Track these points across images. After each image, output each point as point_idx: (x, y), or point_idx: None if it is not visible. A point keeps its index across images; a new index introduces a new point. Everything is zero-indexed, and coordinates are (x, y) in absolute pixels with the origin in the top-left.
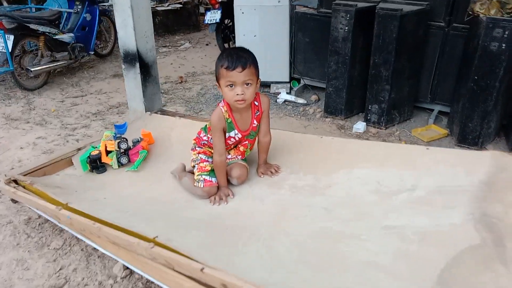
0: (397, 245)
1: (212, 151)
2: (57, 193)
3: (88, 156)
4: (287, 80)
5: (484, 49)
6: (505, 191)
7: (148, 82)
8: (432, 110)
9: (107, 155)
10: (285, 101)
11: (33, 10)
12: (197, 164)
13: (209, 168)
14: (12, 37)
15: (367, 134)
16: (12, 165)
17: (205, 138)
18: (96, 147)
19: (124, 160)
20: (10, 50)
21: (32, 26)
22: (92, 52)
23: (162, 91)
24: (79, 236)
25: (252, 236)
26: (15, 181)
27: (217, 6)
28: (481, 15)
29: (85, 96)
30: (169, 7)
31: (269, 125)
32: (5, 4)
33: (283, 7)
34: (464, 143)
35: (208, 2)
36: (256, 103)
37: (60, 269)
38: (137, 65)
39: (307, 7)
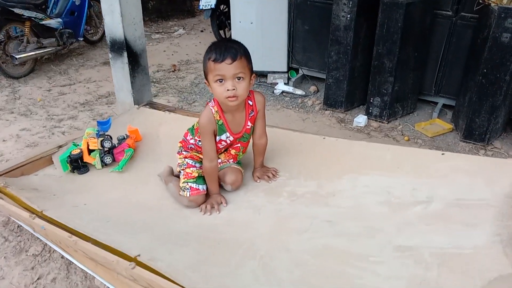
0: (412, 270)
1: (200, 155)
2: (33, 198)
3: (69, 156)
4: (285, 70)
5: (495, 40)
6: None
7: (137, 72)
8: (436, 103)
9: (89, 154)
10: (282, 92)
11: None
12: (183, 169)
13: (196, 175)
14: None
15: (368, 128)
16: None
17: (192, 141)
18: (78, 145)
19: (108, 159)
20: None
21: (16, 10)
22: (82, 39)
23: (154, 80)
24: (55, 248)
25: (247, 253)
26: None
27: None
28: (492, 5)
29: (73, 84)
30: None
31: (265, 126)
32: None
33: None
34: (470, 139)
35: None
36: (250, 103)
37: (38, 279)
38: (125, 54)
39: None
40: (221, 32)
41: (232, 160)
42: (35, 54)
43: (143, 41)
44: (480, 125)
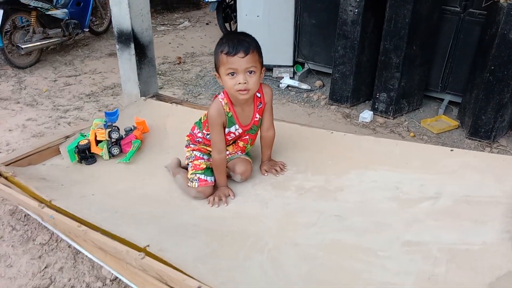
0: (420, 266)
1: (208, 148)
2: (41, 188)
3: (76, 146)
4: (291, 64)
5: (503, 37)
6: None
7: (144, 64)
8: (442, 99)
9: (97, 144)
10: (288, 86)
11: None
12: (191, 161)
13: (204, 166)
14: (1, 11)
15: (374, 124)
16: None
17: (199, 134)
18: (85, 136)
19: (115, 150)
20: None
21: (23, 0)
22: (87, 29)
23: (160, 72)
24: (63, 237)
25: (255, 246)
26: None
27: None
28: (501, 1)
29: (79, 75)
30: None
31: (273, 119)
32: None
33: None
34: (476, 136)
35: None
36: (259, 95)
37: (45, 268)
38: (132, 45)
39: None
40: (227, 25)
41: (240, 152)
42: (41, 44)
43: (150, 32)
44: (486, 122)
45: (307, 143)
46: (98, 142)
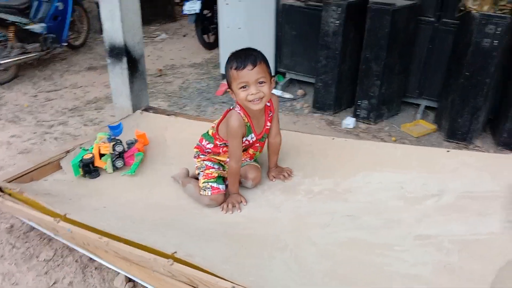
0: (435, 256)
1: (218, 157)
2: (51, 202)
3: (81, 160)
4: (272, 74)
5: (477, 45)
6: None
7: (136, 77)
8: (419, 105)
9: (100, 158)
10: None
11: None
12: (202, 171)
13: (216, 175)
14: None
15: (357, 130)
16: None
17: (208, 146)
18: (88, 150)
19: (119, 163)
20: None
21: (0, 15)
22: (66, 44)
23: None
24: (80, 250)
25: (276, 246)
26: None
27: None
28: (473, 11)
29: (60, 90)
30: None
31: (279, 126)
32: None
33: None
34: (453, 139)
35: None
36: (268, 104)
37: (54, 283)
38: (125, 59)
39: None
40: (205, 36)
41: (249, 159)
42: (20, 59)
43: (142, 46)
44: (463, 125)
45: (311, 149)
46: (101, 155)
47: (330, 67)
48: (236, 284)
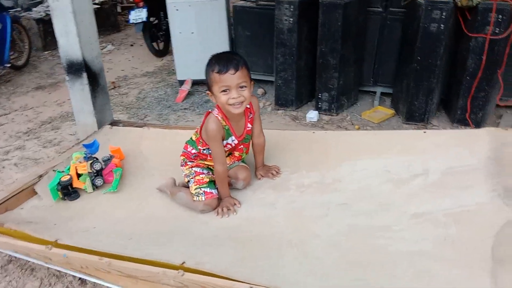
0: (434, 231)
1: (206, 162)
2: (37, 230)
3: (58, 183)
4: None
5: (425, 30)
6: None
7: (97, 92)
8: (375, 92)
9: (78, 178)
10: None
11: None
12: (192, 178)
13: (207, 180)
14: None
15: (321, 122)
16: None
17: (194, 151)
18: (63, 172)
19: (99, 182)
20: None
21: None
22: (8, 65)
23: None
24: (77, 275)
25: (282, 244)
26: None
27: (141, 4)
28: None
29: (9, 114)
30: None
31: (261, 126)
32: None
33: (219, 2)
34: (411, 121)
35: (126, 0)
36: (248, 106)
37: None
38: (84, 75)
39: (244, 0)
40: (154, 44)
41: (236, 160)
42: None
43: (100, 60)
44: (419, 107)
45: (293, 145)
46: (79, 176)
47: (288, 64)
48: (254, 285)
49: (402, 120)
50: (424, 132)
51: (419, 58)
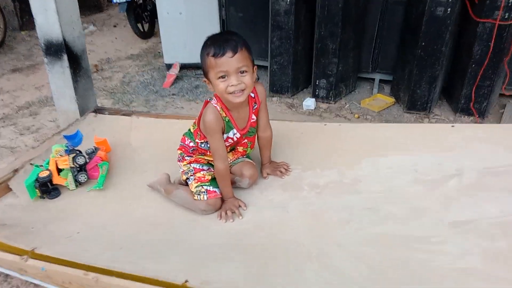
0: (480, 244)
1: (206, 157)
2: (12, 236)
3: (36, 179)
4: None
5: (431, 14)
6: None
7: (79, 76)
8: (373, 79)
9: (59, 174)
10: None
11: None
12: (192, 175)
13: (210, 177)
14: None
15: (318, 110)
16: None
17: (192, 144)
18: (42, 166)
19: (82, 177)
20: None
21: None
22: None
23: None
24: None
25: (300, 255)
26: None
27: None
28: None
29: None
30: None
31: (268, 117)
32: None
33: None
34: (413, 109)
35: None
36: (253, 95)
37: None
38: (65, 57)
39: None
40: (139, 25)
41: (240, 156)
42: None
43: (83, 40)
44: (422, 95)
45: (303, 138)
46: (59, 171)
47: (285, 48)
48: None
49: (403, 108)
50: (453, 126)
51: (423, 44)
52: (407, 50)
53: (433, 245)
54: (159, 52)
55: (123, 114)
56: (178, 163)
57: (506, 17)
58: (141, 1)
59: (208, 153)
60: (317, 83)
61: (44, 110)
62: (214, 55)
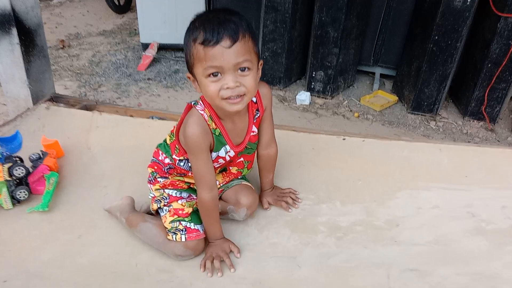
0: None
1: (187, 179)
2: None
3: None
4: None
5: (448, 5)
6: None
7: (33, 55)
8: (373, 73)
9: None
10: None
11: None
12: (166, 205)
13: (190, 210)
14: None
15: (313, 106)
16: None
17: (168, 161)
18: None
19: (22, 194)
20: None
21: None
22: None
23: None
24: None
25: None
26: None
27: None
28: None
29: None
30: None
31: (273, 130)
32: None
33: None
34: (418, 110)
35: None
36: (254, 99)
37: None
38: (14, 31)
39: None
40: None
41: (234, 177)
42: None
43: (38, 12)
44: (429, 95)
45: (315, 156)
46: None
47: (279, 33)
48: None
49: (407, 108)
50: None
51: (436, 37)
52: (416, 44)
53: None
54: (135, 30)
55: (85, 106)
56: (149, 185)
57: None
58: None
59: (190, 174)
60: (313, 75)
61: None
62: (204, 43)
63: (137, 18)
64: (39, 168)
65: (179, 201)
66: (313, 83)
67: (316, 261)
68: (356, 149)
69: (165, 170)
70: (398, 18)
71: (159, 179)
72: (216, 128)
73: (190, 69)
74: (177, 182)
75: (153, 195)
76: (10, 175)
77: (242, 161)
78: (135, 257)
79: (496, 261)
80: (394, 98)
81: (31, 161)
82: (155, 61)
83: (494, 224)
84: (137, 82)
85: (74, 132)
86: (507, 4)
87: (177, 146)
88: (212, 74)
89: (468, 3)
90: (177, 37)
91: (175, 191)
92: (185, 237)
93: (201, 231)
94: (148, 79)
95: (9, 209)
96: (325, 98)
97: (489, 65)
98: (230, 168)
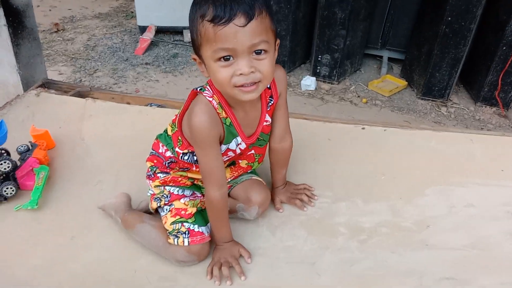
0: None
1: (190, 174)
2: None
3: None
4: None
5: None
6: None
7: (22, 38)
8: (380, 57)
9: None
10: None
11: None
12: (166, 203)
13: (194, 210)
14: None
15: (319, 92)
16: None
17: (169, 154)
18: None
19: (9, 190)
20: None
21: None
22: None
23: None
24: None
25: None
26: None
27: None
28: None
29: None
30: None
31: (288, 120)
32: None
33: None
34: (429, 95)
35: None
36: (268, 85)
37: None
38: (0, 12)
39: None
40: None
41: (242, 171)
42: None
43: None
44: (441, 79)
45: (332, 148)
46: None
47: (283, 14)
48: None
49: (417, 94)
50: None
51: (449, 18)
52: (427, 26)
53: None
54: (132, 12)
55: (78, 93)
56: (148, 181)
57: None
58: None
59: (194, 168)
60: (319, 59)
61: None
62: (214, 20)
63: (133, 0)
64: (27, 161)
65: (182, 200)
66: (318, 67)
67: (338, 269)
68: (377, 140)
69: (166, 165)
70: None
71: (159, 175)
72: (226, 117)
73: (197, 50)
74: (180, 178)
75: (152, 192)
76: None
77: (252, 154)
78: (134, 262)
79: None
80: (403, 83)
81: (19, 153)
82: (153, 44)
83: None
84: (134, 67)
85: (66, 121)
86: None
87: (180, 138)
88: (223, 57)
89: None
90: (176, 19)
91: (177, 188)
92: (188, 241)
93: (206, 234)
94: (146, 63)
95: None
96: (331, 83)
97: (504, 48)
98: (240, 161)
